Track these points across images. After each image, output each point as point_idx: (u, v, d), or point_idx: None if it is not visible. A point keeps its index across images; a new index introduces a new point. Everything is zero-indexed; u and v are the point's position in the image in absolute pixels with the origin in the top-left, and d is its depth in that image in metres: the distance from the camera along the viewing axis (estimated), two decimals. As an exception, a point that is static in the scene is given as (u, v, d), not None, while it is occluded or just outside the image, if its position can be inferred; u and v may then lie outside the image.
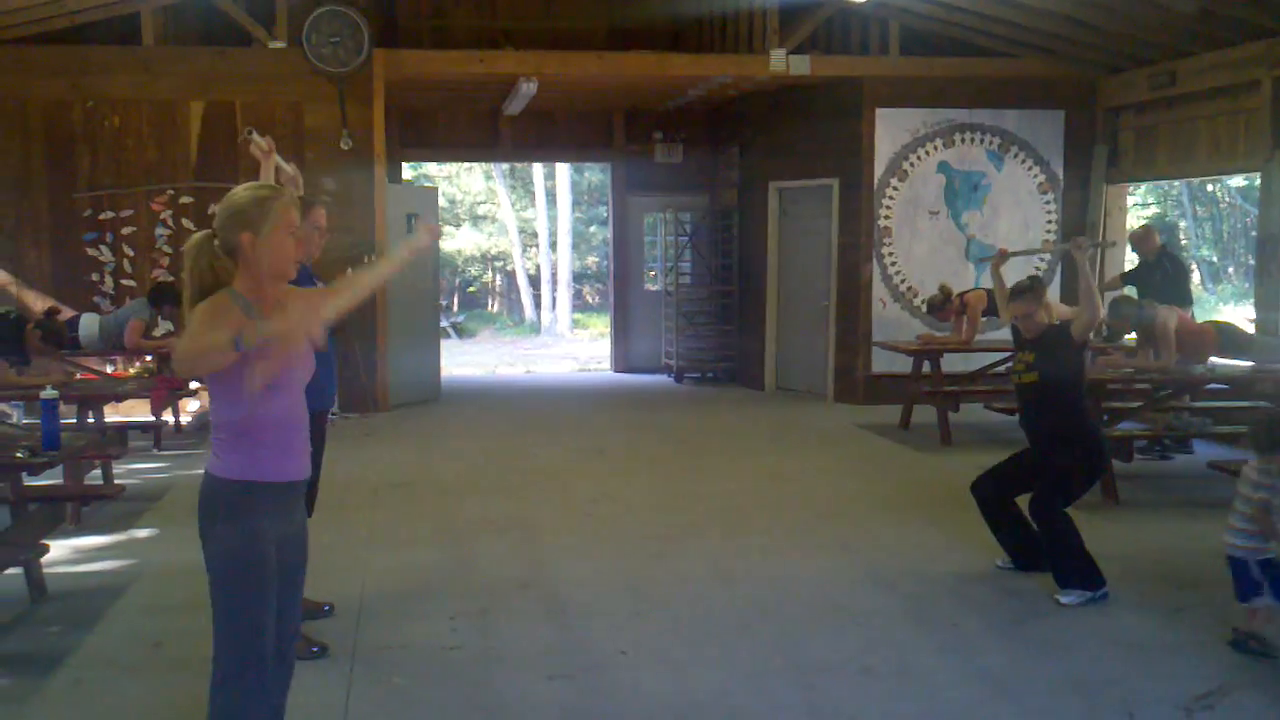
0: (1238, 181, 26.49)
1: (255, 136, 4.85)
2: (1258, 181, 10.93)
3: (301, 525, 3.42)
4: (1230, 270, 30.61)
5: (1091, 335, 7.86)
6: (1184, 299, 9.59)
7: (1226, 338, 8.66)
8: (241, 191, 3.30)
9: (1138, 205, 26.82)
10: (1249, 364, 8.55)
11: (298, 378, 3.33)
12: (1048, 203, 12.49)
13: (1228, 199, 29.91)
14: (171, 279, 11.24)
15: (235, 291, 3.22)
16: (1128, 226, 12.56)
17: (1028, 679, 4.75)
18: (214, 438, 3.26)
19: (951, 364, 10.95)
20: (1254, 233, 16.14)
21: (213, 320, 3.10)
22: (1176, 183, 26.35)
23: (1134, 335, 8.88)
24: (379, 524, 7.41)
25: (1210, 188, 29.34)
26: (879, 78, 12.17)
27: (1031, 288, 6.06)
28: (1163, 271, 9.81)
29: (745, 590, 6.00)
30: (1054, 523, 5.86)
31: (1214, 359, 8.55)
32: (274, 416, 3.24)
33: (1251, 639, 4.96)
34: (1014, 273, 7.59)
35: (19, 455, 5.72)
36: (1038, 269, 12.05)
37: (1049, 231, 12.47)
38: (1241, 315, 18.15)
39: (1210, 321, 9.19)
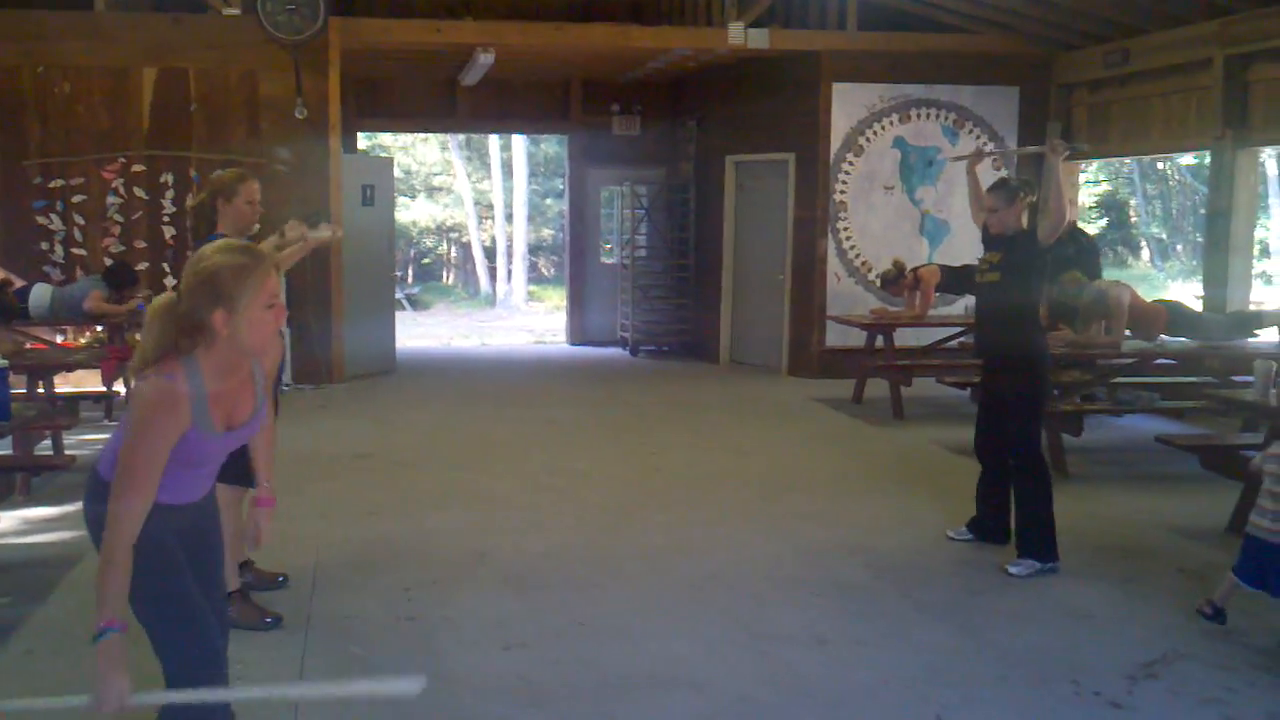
0: (1188, 160, 26.81)
1: (307, 233, 5.05)
2: (1208, 160, 11.08)
3: (204, 504, 3.29)
4: (1179, 248, 30.98)
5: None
6: (1096, 274, 9.64)
7: (1176, 316, 8.79)
8: (214, 256, 2.96)
9: (1090, 182, 27.05)
10: (1196, 342, 8.67)
11: (220, 460, 3.23)
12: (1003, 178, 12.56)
13: (1178, 177, 30.24)
14: (123, 250, 11.16)
15: (195, 371, 2.97)
16: (1079, 203, 12.68)
17: (978, 648, 4.83)
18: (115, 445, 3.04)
19: (904, 338, 11.06)
20: (1203, 211, 16.33)
21: (162, 432, 2.91)
22: (1128, 160, 26.61)
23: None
24: (334, 495, 7.39)
25: (1161, 166, 29.65)
26: (837, 52, 12.19)
27: (1008, 185, 6.09)
28: (1077, 246, 9.70)
29: (701, 561, 6.04)
30: (1038, 469, 5.92)
31: (1163, 336, 8.67)
32: (187, 484, 3.15)
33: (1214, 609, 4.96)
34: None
35: (-31, 425, 5.66)
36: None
37: (1003, 208, 12.55)
38: (1189, 292, 18.39)
39: (1160, 300, 9.31)
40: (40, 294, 9.67)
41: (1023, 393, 6.00)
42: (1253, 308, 10.45)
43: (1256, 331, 8.93)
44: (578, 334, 15.99)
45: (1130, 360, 8.61)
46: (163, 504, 3.02)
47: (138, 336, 10.04)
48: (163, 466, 2.92)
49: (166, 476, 2.97)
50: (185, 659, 3.13)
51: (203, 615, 3.16)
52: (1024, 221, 6.05)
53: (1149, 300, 9.01)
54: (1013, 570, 5.78)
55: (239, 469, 5.17)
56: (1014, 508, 6.05)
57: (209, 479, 3.27)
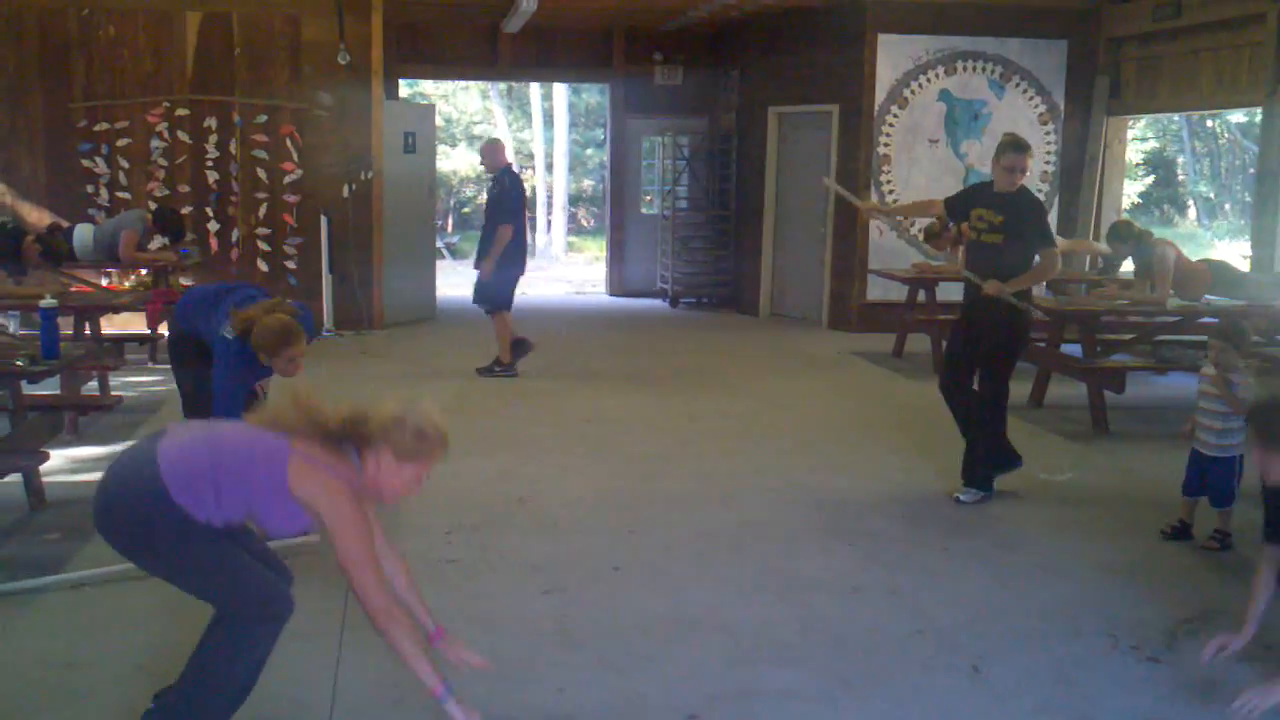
0: (1238, 117, 26.37)
1: None
2: (1258, 117, 10.90)
3: None
4: (1227, 207, 30.55)
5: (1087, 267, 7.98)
6: (509, 217, 9.38)
7: (1220, 275, 8.70)
8: (425, 415, 3.31)
9: (1137, 139, 26.69)
10: (1241, 302, 8.57)
11: None
12: (1048, 134, 12.44)
13: (1227, 135, 29.76)
14: (166, 194, 11.23)
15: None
16: (1126, 159, 12.53)
17: (1015, 601, 4.84)
18: (213, 492, 3.19)
19: (946, 293, 10.97)
20: (1252, 169, 16.10)
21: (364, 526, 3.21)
22: (1176, 117, 26.22)
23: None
24: (375, 439, 7.44)
25: (1210, 123, 29.19)
26: (882, 2, 12.02)
27: (1021, 142, 6.35)
28: (500, 187, 9.48)
29: (738, 510, 6.07)
30: (1001, 403, 6.21)
31: (1208, 296, 8.59)
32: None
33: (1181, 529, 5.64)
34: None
35: (19, 363, 5.75)
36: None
37: (1048, 162, 12.44)
38: (1236, 252, 18.16)
39: (1204, 259, 9.21)
40: (83, 233, 9.74)
41: (1008, 341, 6.18)
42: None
43: (1303, 291, 8.83)
44: (617, 285, 15.98)
45: (1174, 318, 8.53)
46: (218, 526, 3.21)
47: (183, 281, 10.18)
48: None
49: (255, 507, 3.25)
50: (247, 606, 3.28)
51: (248, 561, 3.31)
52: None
53: (1194, 260, 8.91)
54: (964, 498, 6.12)
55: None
56: (975, 431, 6.24)
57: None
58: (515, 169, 9.91)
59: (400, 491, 3.31)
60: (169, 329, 5.56)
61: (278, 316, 5.12)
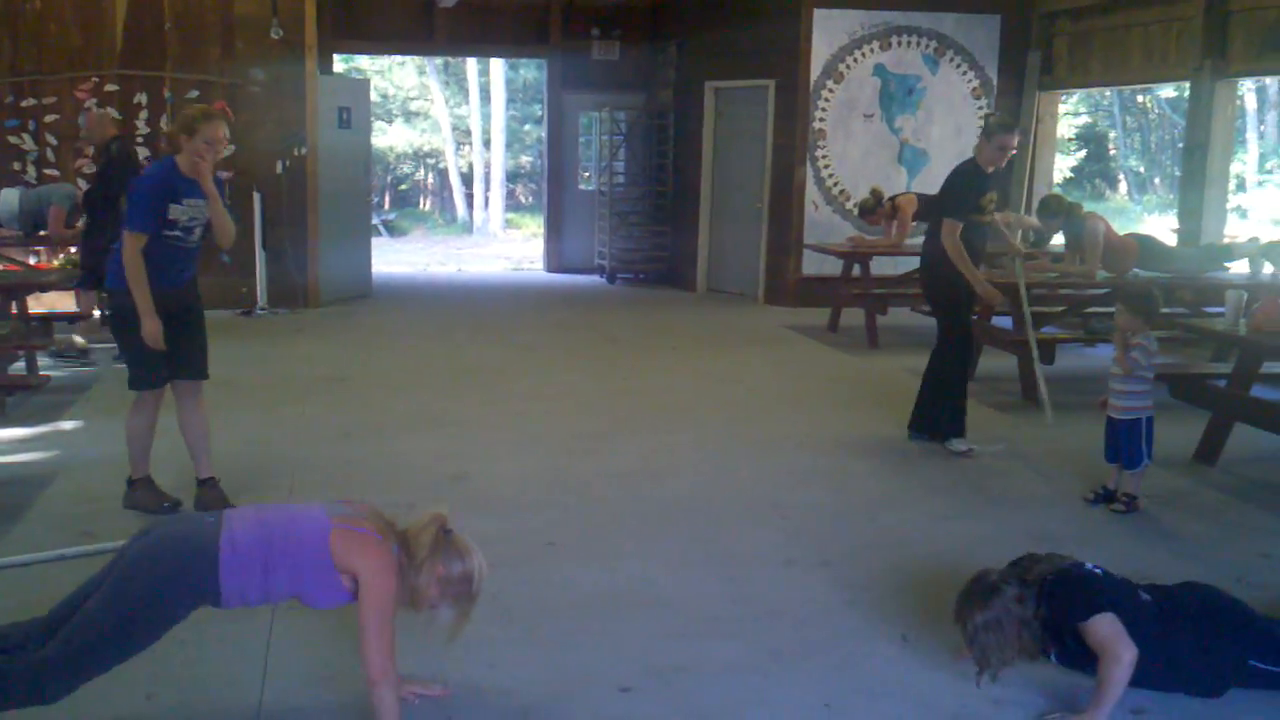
0: (1167, 92, 26.74)
1: None
2: (1186, 92, 11.07)
3: None
4: (1157, 181, 31.00)
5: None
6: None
7: (1148, 250, 8.84)
8: (480, 568, 3.60)
9: (1069, 114, 26.98)
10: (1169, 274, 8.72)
11: None
12: (980, 108, 12.55)
13: (1157, 110, 30.18)
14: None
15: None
16: (1058, 134, 12.67)
17: (945, 572, 4.87)
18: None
19: (880, 267, 11.08)
20: (1181, 144, 16.34)
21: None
22: (1108, 92, 26.55)
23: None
24: (309, 418, 7.41)
25: (1140, 99, 29.58)
26: (818, -23, 12.08)
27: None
28: (107, 159, 8.93)
29: (672, 486, 6.10)
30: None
31: (1136, 270, 8.72)
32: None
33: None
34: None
35: (-59, 343, 5.65)
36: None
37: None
38: (1165, 225, 18.43)
39: (1133, 234, 9.35)
40: (8, 198, 9.53)
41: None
42: (1225, 241, 10.50)
43: (1227, 264, 9.00)
44: (555, 261, 15.95)
45: (1103, 291, 8.66)
46: None
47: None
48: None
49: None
50: (76, 672, 3.30)
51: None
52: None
53: (1122, 234, 9.05)
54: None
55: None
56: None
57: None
58: (122, 140, 9.28)
59: (428, 604, 3.46)
60: (109, 299, 5.45)
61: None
